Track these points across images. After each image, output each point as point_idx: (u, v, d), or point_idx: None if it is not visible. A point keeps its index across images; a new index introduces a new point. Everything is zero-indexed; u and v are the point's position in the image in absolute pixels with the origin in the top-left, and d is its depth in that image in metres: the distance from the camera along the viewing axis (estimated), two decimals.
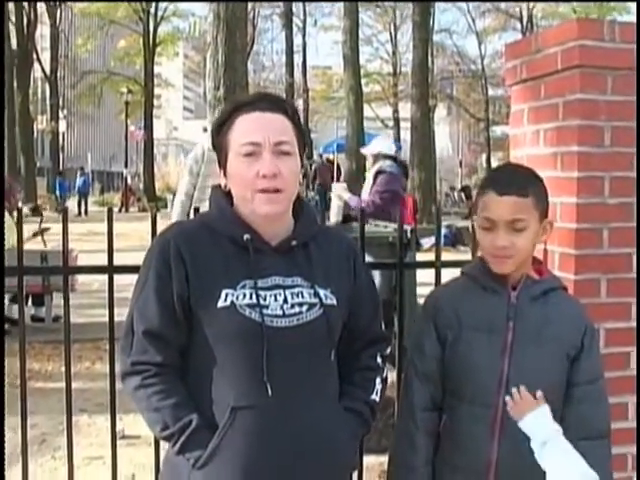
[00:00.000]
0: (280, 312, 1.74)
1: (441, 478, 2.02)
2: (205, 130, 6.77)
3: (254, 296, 1.73)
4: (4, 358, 2.56)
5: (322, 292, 1.80)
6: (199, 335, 1.76)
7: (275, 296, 1.76)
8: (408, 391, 2.07)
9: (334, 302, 1.82)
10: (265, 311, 1.73)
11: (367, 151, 7.11)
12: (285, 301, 1.76)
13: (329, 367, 1.84)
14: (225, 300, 1.72)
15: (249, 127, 1.77)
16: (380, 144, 7.04)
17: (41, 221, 8.30)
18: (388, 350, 2.00)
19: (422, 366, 2.05)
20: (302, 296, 1.78)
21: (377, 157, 6.80)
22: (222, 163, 1.84)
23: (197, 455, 1.71)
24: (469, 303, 2.02)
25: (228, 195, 1.86)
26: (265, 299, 1.74)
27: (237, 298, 1.72)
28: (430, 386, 2.04)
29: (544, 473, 1.82)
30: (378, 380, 1.94)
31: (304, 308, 1.77)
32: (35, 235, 8.26)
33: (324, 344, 1.80)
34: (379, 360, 1.96)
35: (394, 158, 6.81)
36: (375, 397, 1.92)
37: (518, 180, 1.96)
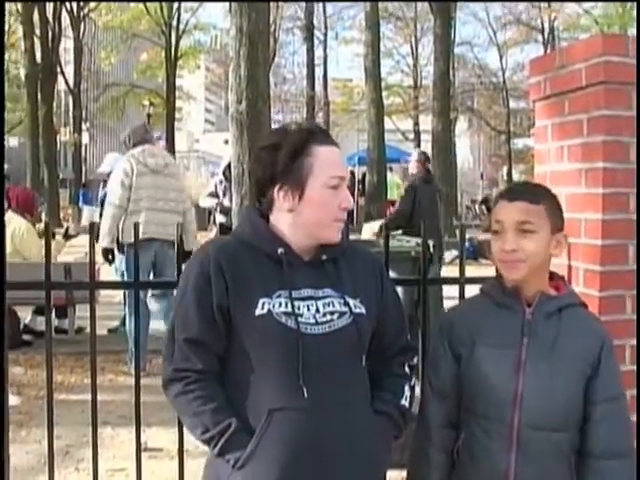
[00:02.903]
0: (313, 320, 1.85)
1: None
2: (226, 142, 7.15)
3: (289, 305, 1.84)
4: (4, 368, 2.56)
5: (352, 302, 1.91)
6: (237, 342, 1.86)
7: (308, 306, 1.87)
8: (424, 408, 2.10)
9: (363, 311, 1.92)
10: (300, 319, 1.83)
11: (101, 170, 8.43)
12: (317, 310, 1.87)
13: (360, 372, 1.94)
14: (262, 308, 1.83)
15: (335, 161, 1.94)
16: (107, 162, 8.36)
17: (67, 235, 8.33)
18: (415, 360, 2.08)
19: (437, 384, 2.08)
20: (333, 305, 1.89)
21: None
22: (294, 186, 1.90)
23: (237, 456, 1.80)
24: (483, 320, 2.04)
25: (261, 214, 1.97)
26: (299, 308, 1.85)
27: (273, 306, 1.83)
28: (445, 403, 2.07)
29: None
30: (407, 387, 2.03)
31: (335, 316, 1.88)
32: (67, 238, 8.28)
33: (355, 349, 1.90)
34: (407, 369, 2.05)
35: None
36: (405, 402, 2.01)
37: (529, 189, 2.04)
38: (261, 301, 1.83)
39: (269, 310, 1.82)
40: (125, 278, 6.48)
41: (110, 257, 6.70)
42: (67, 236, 8.34)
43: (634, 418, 2.47)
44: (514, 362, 1.95)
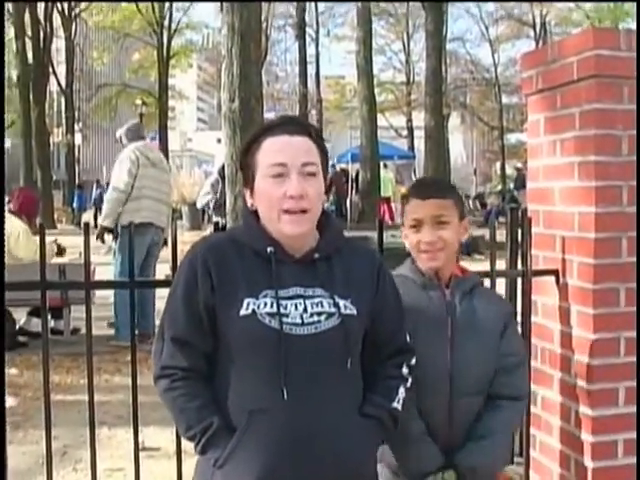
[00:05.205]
0: (299, 320, 1.82)
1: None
2: (219, 141, 7.56)
3: (275, 305, 1.81)
4: (4, 367, 2.56)
5: (342, 302, 1.86)
6: (223, 342, 1.85)
7: (296, 305, 1.83)
8: None
9: (354, 312, 1.87)
10: (285, 319, 1.80)
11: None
12: (305, 310, 1.83)
13: (346, 375, 1.87)
14: (247, 308, 1.81)
15: (276, 149, 1.86)
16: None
17: (59, 249, 8.28)
18: (413, 360, 2.02)
19: None
20: (322, 306, 1.84)
21: None
22: (249, 182, 1.92)
23: (217, 455, 1.80)
24: (414, 302, 2.16)
25: (255, 212, 1.93)
26: (286, 308, 1.82)
27: (258, 307, 1.81)
28: None
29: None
30: (402, 389, 1.97)
31: (322, 317, 1.83)
32: (60, 254, 8.22)
33: (340, 352, 1.85)
34: (405, 370, 1.99)
35: None
36: (397, 405, 1.95)
37: (436, 187, 2.25)
38: (246, 301, 1.81)
39: (253, 310, 1.80)
40: (118, 258, 7.21)
41: (105, 237, 7.37)
42: (60, 252, 8.25)
43: (633, 409, 2.49)
44: (444, 339, 2.16)
